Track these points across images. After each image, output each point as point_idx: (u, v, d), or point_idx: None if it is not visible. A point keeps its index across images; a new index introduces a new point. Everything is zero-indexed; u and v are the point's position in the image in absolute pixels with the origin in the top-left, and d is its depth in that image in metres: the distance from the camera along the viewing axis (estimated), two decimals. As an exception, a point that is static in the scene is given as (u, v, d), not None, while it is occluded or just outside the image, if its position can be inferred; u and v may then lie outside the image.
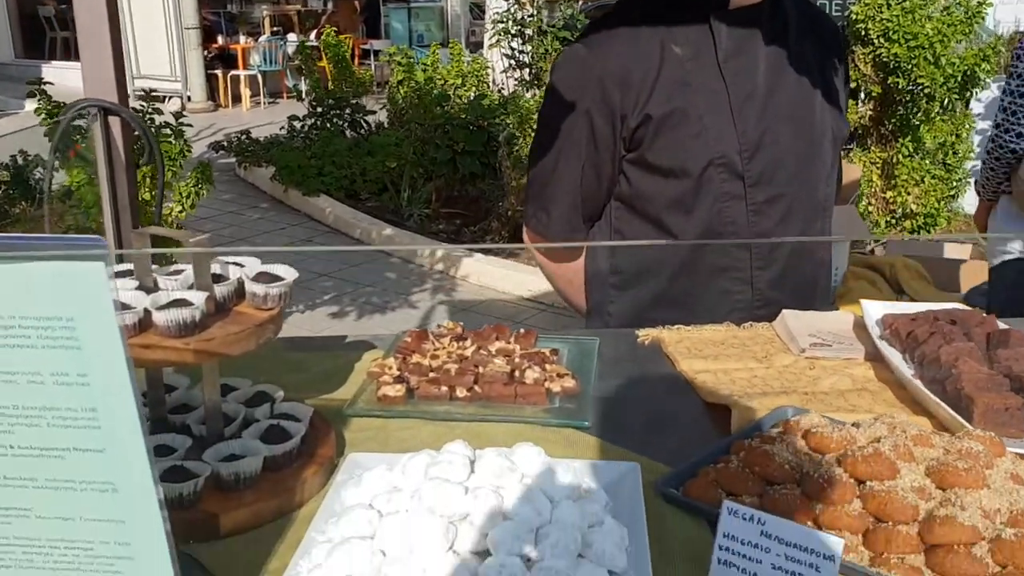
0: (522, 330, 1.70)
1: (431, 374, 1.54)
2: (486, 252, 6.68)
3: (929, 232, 5.69)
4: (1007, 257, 3.14)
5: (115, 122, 2.07)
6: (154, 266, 1.31)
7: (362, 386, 1.55)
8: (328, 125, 9.42)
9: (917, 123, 5.62)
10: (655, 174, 1.85)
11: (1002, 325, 1.61)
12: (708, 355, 1.69)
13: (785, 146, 1.86)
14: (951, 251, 5.02)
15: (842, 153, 2.23)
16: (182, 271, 1.29)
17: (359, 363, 1.69)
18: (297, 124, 9.58)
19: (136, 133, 2.17)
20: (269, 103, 14.60)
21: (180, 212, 4.34)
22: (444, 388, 1.51)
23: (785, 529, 1.03)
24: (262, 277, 1.26)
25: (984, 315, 1.64)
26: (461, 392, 1.51)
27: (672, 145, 1.81)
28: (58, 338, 0.75)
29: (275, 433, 1.27)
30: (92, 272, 0.73)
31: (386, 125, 9.35)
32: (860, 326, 1.77)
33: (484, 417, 1.45)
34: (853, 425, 1.22)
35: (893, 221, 5.79)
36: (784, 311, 1.82)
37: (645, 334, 1.80)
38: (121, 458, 0.80)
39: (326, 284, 6.51)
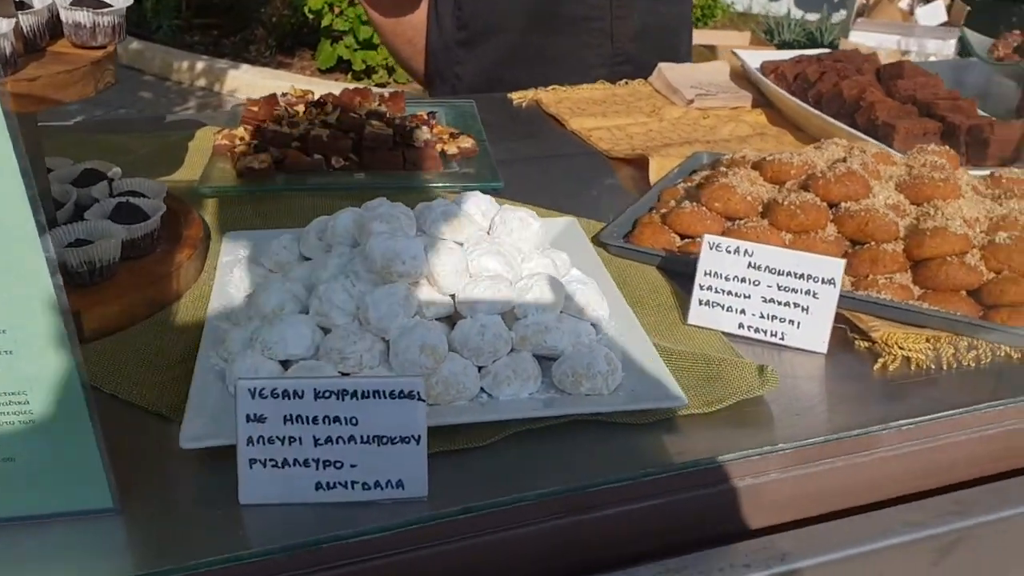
0: (386, 93, 1.45)
1: (295, 144, 1.28)
2: (253, 63, 6.06)
3: (706, 24, 5.77)
4: None
5: None
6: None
7: (211, 162, 1.26)
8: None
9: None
10: None
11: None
12: (596, 113, 1.54)
13: None
14: (730, 40, 5.12)
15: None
16: (-41, 1, 0.93)
17: (192, 142, 1.38)
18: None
19: None
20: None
21: None
22: (318, 156, 1.25)
23: (777, 257, 0.92)
24: (86, 2, 0.93)
25: (865, 53, 1.59)
26: (337, 161, 1.26)
27: None
28: None
29: (126, 212, 0.98)
30: None
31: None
32: (738, 76, 1.68)
33: (375, 186, 1.22)
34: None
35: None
36: (660, 64, 1.69)
37: (520, 96, 1.61)
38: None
39: (71, 108, 5.67)
